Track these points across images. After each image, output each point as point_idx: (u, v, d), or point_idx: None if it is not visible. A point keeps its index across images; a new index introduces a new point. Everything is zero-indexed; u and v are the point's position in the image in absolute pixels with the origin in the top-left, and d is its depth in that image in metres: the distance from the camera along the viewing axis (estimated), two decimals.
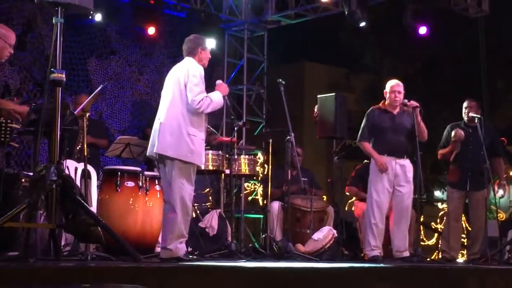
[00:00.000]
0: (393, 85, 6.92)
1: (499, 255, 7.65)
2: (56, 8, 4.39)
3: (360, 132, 7.01)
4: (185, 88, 5.29)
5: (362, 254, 7.51)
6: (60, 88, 4.35)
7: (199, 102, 5.24)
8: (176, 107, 5.29)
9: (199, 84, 5.31)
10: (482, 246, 7.24)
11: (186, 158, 5.24)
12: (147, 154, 5.52)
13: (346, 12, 9.40)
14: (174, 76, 5.43)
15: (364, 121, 7.00)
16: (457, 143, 7.29)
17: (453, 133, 7.31)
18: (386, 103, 6.95)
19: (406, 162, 6.80)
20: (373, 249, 6.78)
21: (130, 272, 3.74)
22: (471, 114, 7.33)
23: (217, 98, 5.40)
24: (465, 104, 7.47)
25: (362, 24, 9.59)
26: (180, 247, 5.20)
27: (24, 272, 3.40)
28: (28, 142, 5.94)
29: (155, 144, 5.29)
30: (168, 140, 5.24)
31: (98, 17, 8.92)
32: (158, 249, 5.67)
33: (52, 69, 4.33)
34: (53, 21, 4.38)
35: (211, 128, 6.88)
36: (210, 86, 5.56)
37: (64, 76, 4.36)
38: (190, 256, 5.49)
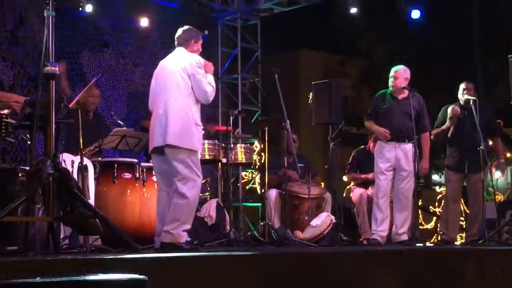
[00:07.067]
0: (392, 71, 7.00)
1: (497, 236, 7.68)
2: (47, 1, 4.37)
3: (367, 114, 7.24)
4: (189, 79, 5.28)
5: (361, 239, 7.55)
6: (54, 81, 4.33)
7: (211, 95, 5.33)
8: (183, 98, 5.25)
9: (205, 75, 5.34)
10: (480, 227, 7.27)
11: (195, 148, 5.25)
12: (156, 145, 5.30)
13: None
14: (172, 67, 5.36)
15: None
16: (453, 119, 7.28)
17: (449, 109, 7.30)
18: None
19: (408, 147, 6.82)
20: (373, 234, 6.84)
21: (129, 263, 3.75)
22: (466, 97, 7.32)
23: (214, 82, 5.42)
24: (462, 86, 7.46)
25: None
26: (182, 234, 5.18)
27: (23, 266, 3.40)
28: (23, 137, 5.90)
29: (166, 135, 5.17)
30: (180, 131, 5.18)
31: (89, 9, 8.76)
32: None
33: (45, 63, 4.31)
34: (45, 14, 4.36)
35: None
36: None
37: (57, 69, 4.35)
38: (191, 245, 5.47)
